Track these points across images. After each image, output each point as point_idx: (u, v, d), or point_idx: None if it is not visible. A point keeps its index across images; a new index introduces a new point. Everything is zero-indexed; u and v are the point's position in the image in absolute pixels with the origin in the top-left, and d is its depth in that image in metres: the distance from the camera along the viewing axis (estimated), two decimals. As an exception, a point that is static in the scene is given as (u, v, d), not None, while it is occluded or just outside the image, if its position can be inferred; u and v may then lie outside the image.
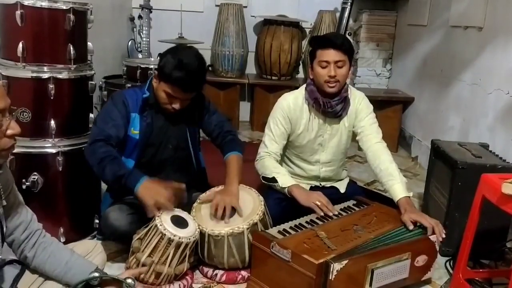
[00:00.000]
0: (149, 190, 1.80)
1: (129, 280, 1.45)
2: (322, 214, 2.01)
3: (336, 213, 2.03)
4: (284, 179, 2.13)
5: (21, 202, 1.45)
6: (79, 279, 1.44)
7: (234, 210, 1.96)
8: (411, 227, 1.92)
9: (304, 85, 2.25)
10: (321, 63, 2.09)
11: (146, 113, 2.03)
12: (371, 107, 2.27)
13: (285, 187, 2.11)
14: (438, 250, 1.96)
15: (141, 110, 2.02)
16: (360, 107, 2.23)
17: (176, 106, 1.97)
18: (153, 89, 2.03)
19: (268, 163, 2.19)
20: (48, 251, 1.46)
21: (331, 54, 2.07)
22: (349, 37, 4.37)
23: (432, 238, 1.90)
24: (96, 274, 1.45)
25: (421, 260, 1.90)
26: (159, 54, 2.14)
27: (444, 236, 1.91)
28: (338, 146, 2.28)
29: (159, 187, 1.83)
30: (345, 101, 2.18)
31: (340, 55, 2.07)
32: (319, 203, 2.03)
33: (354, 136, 2.29)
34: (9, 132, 1.25)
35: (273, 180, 2.14)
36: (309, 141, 2.24)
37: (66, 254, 1.48)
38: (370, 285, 1.75)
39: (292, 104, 2.20)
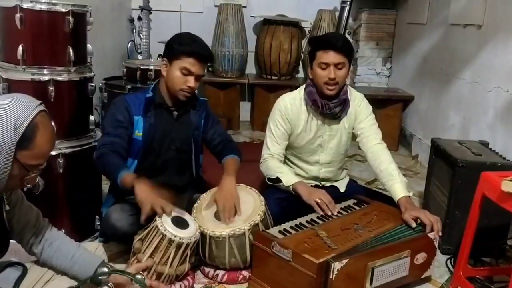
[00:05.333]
0: (146, 191, 1.77)
1: (138, 276, 1.45)
2: (321, 213, 2.01)
3: (335, 213, 2.02)
4: (288, 178, 2.14)
5: (24, 201, 1.45)
6: (86, 272, 1.45)
7: (235, 211, 1.97)
8: (413, 225, 1.92)
9: (303, 86, 2.25)
10: (321, 64, 2.09)
11: (149, 114, 2.04)
12: (370, 108, 2.27)
13: (289, 185, 2.12)
14: (437, 247, 1.96)
15: (144, 111, 2.02)
16: (359, 109, 2.24)
17: (191, 83, 1.97)
18: (158, 90, 2.06)
19: (272, 164, 2.20)
20: (54, 246, 1.48)
21: (331, 56, 2.07)
22: (348, 36, 4.38)
23: (431, 235, 1.91)
24: (105, 269, 1.45)
25: (420, 257, 1.90)
26: (160, 55, 2.16)
27: (440, 234, 1.92)
28: (337, 147, 2.28)
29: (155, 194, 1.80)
30: (344, 103, 2.18)
31: (340, 57, 2.07)
32: (319, 201, 2.03)
33: (354, 137, 2.29)
34: (28, 182, 1.27)
35: (277, 180, 2.15)
36: (307, 142, 2.25)
37: (72, 248, 1.50)
38: (371, 283, 1.76)
39: (289, 105, 2.21)
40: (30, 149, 1.20)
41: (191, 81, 1.97)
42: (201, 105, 2.17)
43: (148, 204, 1.72)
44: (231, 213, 1.94)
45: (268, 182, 2.22)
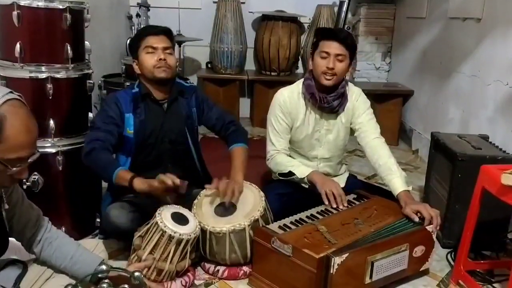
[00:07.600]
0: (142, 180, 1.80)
1: (136, 274, 1.45)
2: (326, 202, 2.03)
3: (341, 207, 2.03)
4: (301, 170, 2.15)
5: (25, 200, 1.45)
6: (85, 272, 1.44)
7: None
8: (416, 219, 1.91)
9: (301, 80, 2.25)
10: (322, 53, 2.10)
11: (139, 110, 2.04)
12: (368, 103, 2.27)
13: (304, 177, 2.12)
14: (435, 240, 1.97)
15: (134, 108, 2.03)
16: (357, 104, 2.23)
17: (161, 55, 2.00)
18: (142, 85, 2.07)
19: (281, 160, 2.21)
20: (54, 245, 1.47)
21: (332, 46, 2.08)
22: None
23: (429, 228, 1.91)
24: (104, 267, 1.45)
25: (419, 250, 1.91)
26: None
27: (438, 228, 1.93)
28: (335, 142, 2.28)
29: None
30: (343, 97, 2.18)
31: (341, 48, 2.08)
32: (328, 192, 2.04)
33: (352, 132, 2.29)
34: (17, 176, 1.22)
35: (290, 174, 2.15)
36: (306, 136, 2.25)
37: (71, 248, 1.49)
38: (371, 277, 1.76)
39: (288, 98, 2.21)
40: (1, 142, 1.11)
41: (160, 54, 2.01)
42: (189, 91, 2.17)
43: (154, 181, 1.76)
44: (233, 193, 1.94)
45: (280, 178, 2.22)
